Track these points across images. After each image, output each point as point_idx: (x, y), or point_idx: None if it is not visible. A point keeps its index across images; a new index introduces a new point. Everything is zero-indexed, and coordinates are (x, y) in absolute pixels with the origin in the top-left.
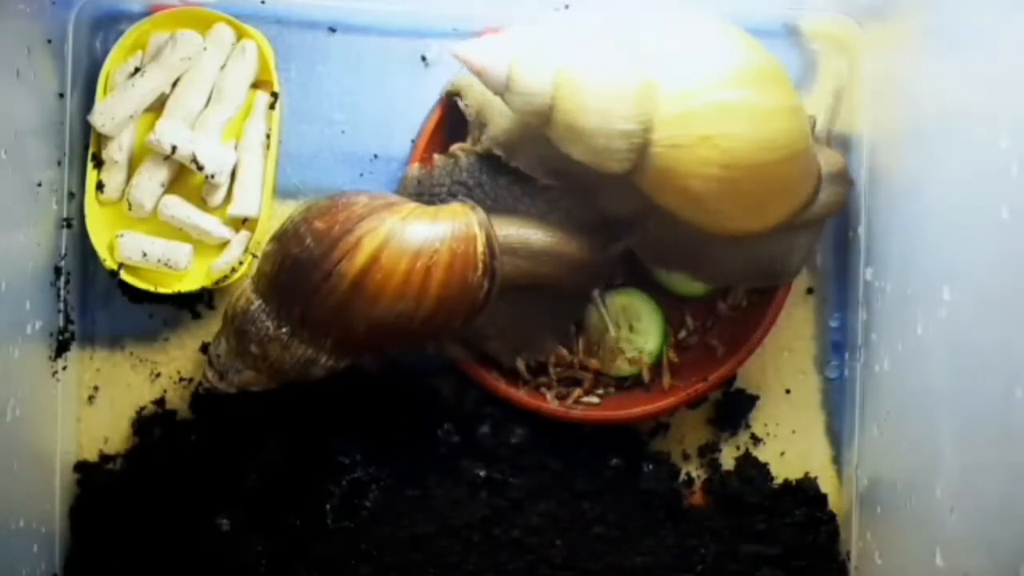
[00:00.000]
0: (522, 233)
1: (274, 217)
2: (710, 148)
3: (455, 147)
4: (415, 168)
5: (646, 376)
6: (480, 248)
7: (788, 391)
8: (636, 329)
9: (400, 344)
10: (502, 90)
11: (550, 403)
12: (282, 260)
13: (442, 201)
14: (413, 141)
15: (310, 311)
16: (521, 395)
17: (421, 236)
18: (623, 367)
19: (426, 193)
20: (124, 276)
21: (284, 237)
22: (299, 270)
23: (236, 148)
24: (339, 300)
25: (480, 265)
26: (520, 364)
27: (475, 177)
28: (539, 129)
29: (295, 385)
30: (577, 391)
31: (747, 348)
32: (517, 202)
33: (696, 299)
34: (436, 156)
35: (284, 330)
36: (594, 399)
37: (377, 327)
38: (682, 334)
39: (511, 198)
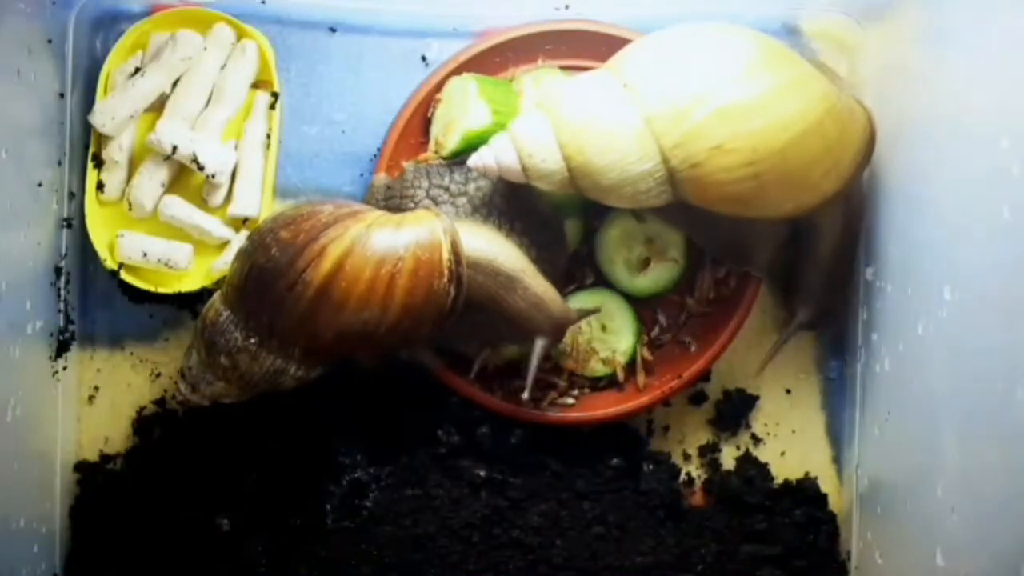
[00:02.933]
0: (490, 250)
1: None
2: (724, 155)
3: (425, 155)
4: (382, 176)
5: (620, 376)
6: (445, 255)
7: (788, 391)
8: (609, 329)
9: (369, 351)
10: (525, 180)
11: (525, 406)
12: (249, 270)
13: (417, 207)
14: (379, 149)
15: (277, 320)
16: (496, 400)
17: (385, 243)
18: (597, 368)
19: (396, 197)
20: (124, 276)
21: (251, 248)
22: (265, 280)
23: (236, 148)
24: (305, 308)
25: (446, 272)
26: (476, 365)
27: (461, 186)
28: (584, 196)
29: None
30: (552, 393)
31: (720, 343)
32: (500, 216)
33: (654, 297)
34: (405, 164)
35: (252, 340)
36: (569, 400)
37: (344, 335)
38: (655, 332)
39: (497, 212)
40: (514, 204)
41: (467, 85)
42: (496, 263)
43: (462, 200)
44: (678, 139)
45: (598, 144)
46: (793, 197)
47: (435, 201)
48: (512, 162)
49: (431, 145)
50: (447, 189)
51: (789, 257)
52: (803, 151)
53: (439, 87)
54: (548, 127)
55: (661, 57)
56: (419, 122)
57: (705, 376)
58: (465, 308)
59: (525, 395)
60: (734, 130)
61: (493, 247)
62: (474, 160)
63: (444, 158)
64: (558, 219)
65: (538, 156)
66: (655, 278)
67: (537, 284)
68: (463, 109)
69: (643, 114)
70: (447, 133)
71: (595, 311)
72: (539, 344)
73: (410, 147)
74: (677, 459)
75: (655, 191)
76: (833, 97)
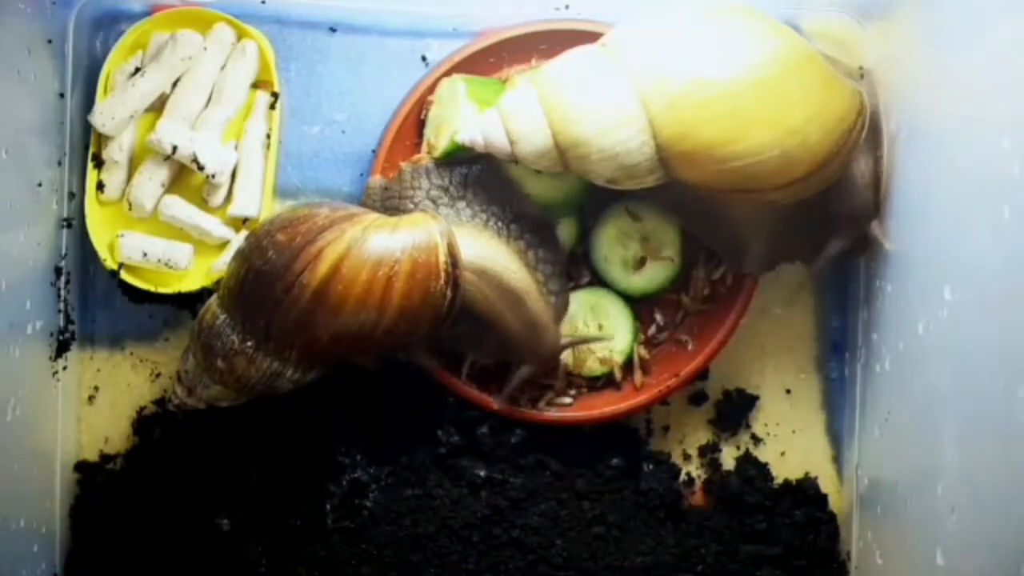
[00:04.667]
0: (498, 262)
1: None
2: (703, 87)
3: (418, 156)
4: (377, 179)
5: (617, 375)
6: (442, 258)
7: (788, 391)
8: (605, 328)
9: (365, 354)
10: (512, 155)
11: (522, 406)
12: (245, 273)
13: (416, 207)
14: (374, 151)
15: (274, 323)
16: (493, 400)
17: (382, 246)
18: (594, 367)
19: (395, 198)
20: (124, 276)
21: (247, 251)
22: (262, 283)
23: (236, 148)
24: (302, 311)
25: (442, 274)
26: (465, 368)
27: (460, 189)
28: (567, 172)
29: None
30: (549, 393)
31: (717, 342)
32: (500, 221)
33: (651, 296)
34: (402, 164)
35: (249, 343)
36: (566, 400)
37: (340, 337)
38: (652, 330)
39: (497, 217)
40: (512, 209)
41: (456, 86)
42: (504, 277)
43: (462, 204)
44: (655, 82)
45: (579, 96)
46: (778, 142)
47: (434, 202)
48: (498, 132)
49: (423, 147)
50: (446, 190)
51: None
52: (783, 88)
53: (433, 88)
54: (532, 92)
55: (638, 21)
56: (414, 123)
57: (703, 375)
58: (460, 314)
59: (495, 405)
60: (710, 61)
61: (502, 260)
62: (462, 135)
63: (436, 159)
64: (551, 223)
65: (520, 115)
66: (651, 277)
67: (537, 308)
68: (453, 110)
69: (621, 65)
70: (438, 134)
71: (593, 339)
72: (524, 370)
73: (406, 148)
74: (677, 459)
75: (636, 141)
76: (815, 52)
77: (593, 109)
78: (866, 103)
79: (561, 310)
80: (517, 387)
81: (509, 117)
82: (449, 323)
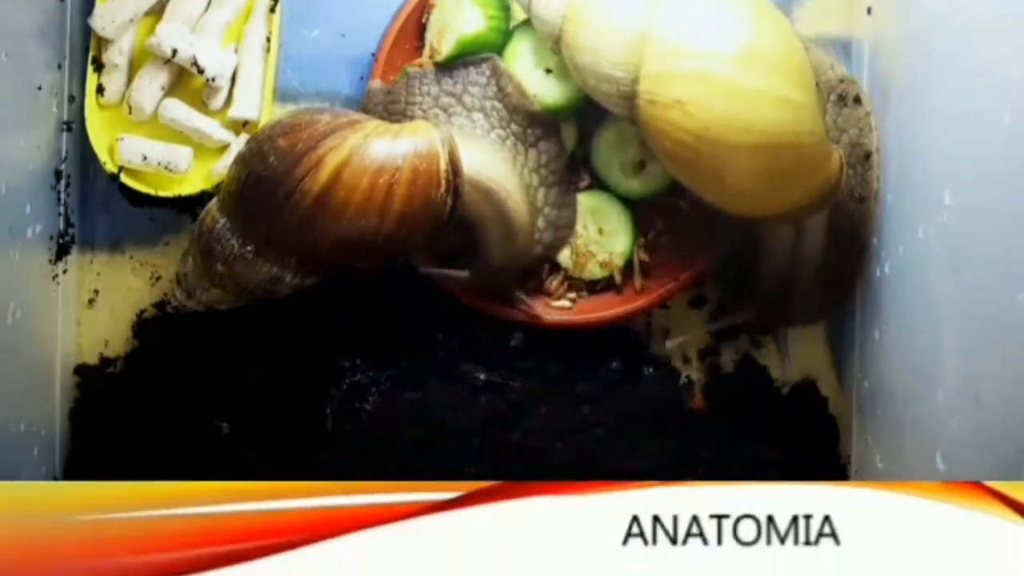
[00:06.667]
0: (505, 190)
1: None
2: (682, 114)
3: (420, 60)
4: (378, 83)
5: (617, 278)
6: (443, 165)
7: None
8: (605, 231)
9: (365, 260)
10: (527, 8)
11: (522, 307)
12: (246, 178)
13: (426, 114)
14: (373, 55)
15: (274, 228)
16: (491, 304)
17: (383, 153)
18: (595, 270)
19: (400, 103)
20: (124, 179)
21: (248, 156)
22: (263, 188)
23: (236, 51)
24: (303, 217)
25: (443, 182)
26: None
27: (478, 100)
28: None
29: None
30: (544, 297)
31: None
32: (517, 141)
33: (650, 198)
34: (408, 68)
35: (249, 248)
36: (566, 303)
37: (341, 244)
38: (652, 234)
39: (514, 136)
40: (530, 130)
41: None
42: (507, 204)
43: (479, 116)
44: (657, 72)
45: (595, 22)
46: (717, 190)
47: (446, 111)
48: None
49: (426, 51)
50: (459, 99)
51: (744, 250)
52: (751, 162)
53: None
54: None
55: None
56: (414, 27)
57: (704, 278)
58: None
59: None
60: (703, 99)
61: (509, 186)
62: None
63: (438, 64)
64: (556, 125)
65: None
66: (649, 180)
67: (520, 251)
68: (456, 14)
69: (649, 29)
70: (441, 39)
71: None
72: (459, 275)
73: (406, 52)
74: (677, 362)
75: (612, 100)
76: (811, 138)
77: (595, 49)
78: (842, 178)
79: (534, 252)
80: (436, 271)
81: None
82: (450, 230)
